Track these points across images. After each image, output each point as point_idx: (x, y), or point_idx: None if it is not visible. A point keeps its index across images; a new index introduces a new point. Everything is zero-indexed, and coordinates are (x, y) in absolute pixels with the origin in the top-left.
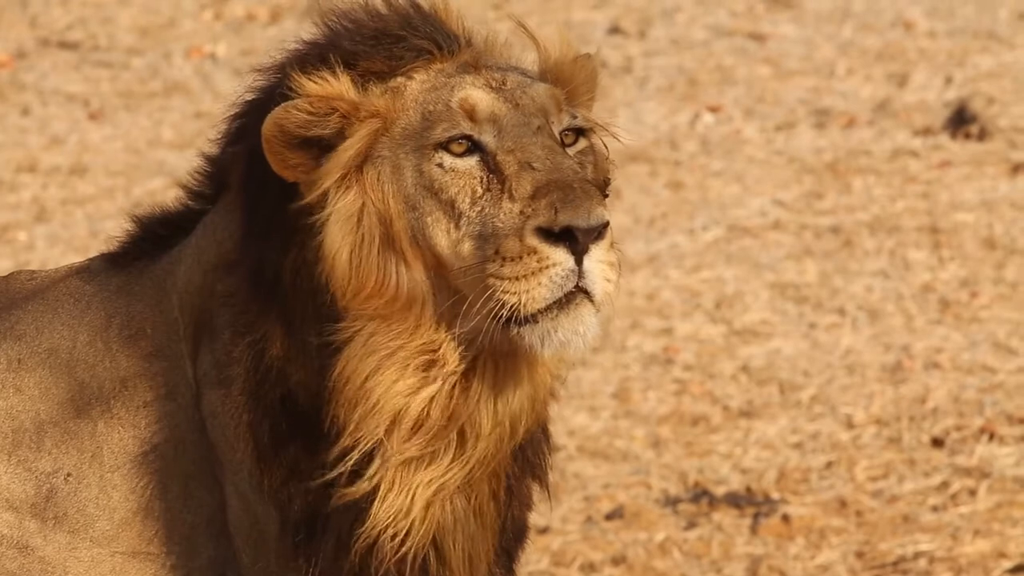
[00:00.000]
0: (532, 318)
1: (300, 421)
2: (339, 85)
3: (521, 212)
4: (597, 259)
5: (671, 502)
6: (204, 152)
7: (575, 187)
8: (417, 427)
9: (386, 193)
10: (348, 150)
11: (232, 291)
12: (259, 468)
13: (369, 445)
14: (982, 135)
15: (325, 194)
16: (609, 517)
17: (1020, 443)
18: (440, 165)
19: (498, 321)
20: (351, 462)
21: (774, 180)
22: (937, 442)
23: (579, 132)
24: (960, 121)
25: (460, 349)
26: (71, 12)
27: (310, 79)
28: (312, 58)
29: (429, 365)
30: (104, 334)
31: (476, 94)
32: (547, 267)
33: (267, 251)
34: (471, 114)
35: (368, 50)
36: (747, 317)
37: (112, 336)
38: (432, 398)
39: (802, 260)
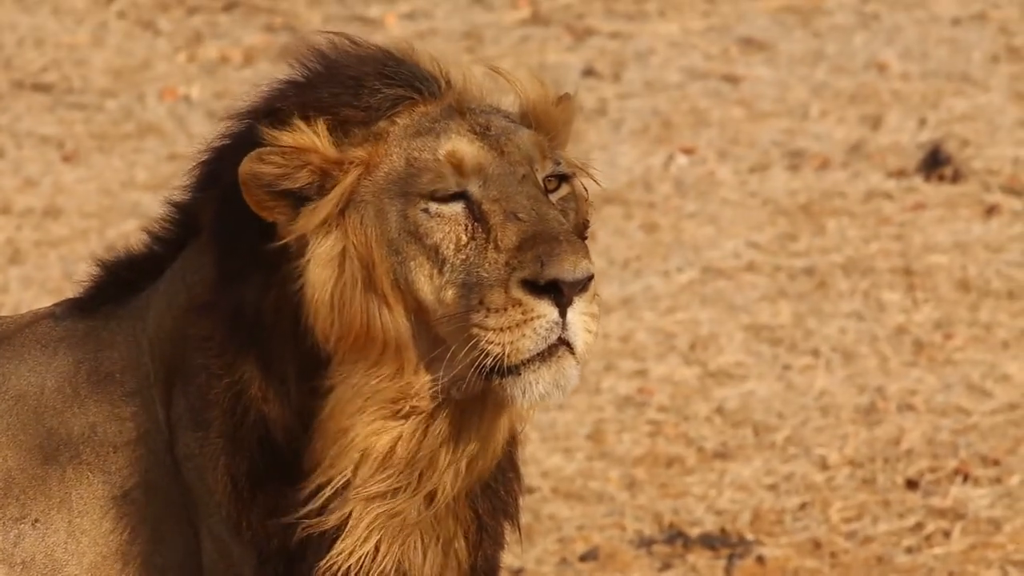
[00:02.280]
0: (515, 369)
1: (277, 460)
2: (312, 137)
3: (507, 263)
4: (580, 311)
5: (646, 543)
6: (170, 197)
7: (561, 239)
8: (383, 465)
9: (369, 237)
10: (328, 203)
11: (208, 334)
12: (237, 509)
13: (340, 481)
14: (956, 177)
15: (304, 237)
16: (584, 558)
17: (994, 485)
18: (425, 211)
19: (480, 370)
20: (323, 498)
21: (748, 222)
22: (911, 483)
23: (562, 178)
24: (934, 163)
25: (433, 392)
26: (45, 54)
27: (282, 130)
28: (288, 104)
29: (402, 407)
30: (72, 380)
31: (463, 146)
32: (532, 319)
33: (245, 292)
34: (458, 168)
35: (347, 99)
36: (721, 359)
37: (80, 381)
38: (399, 437)
39: (776, 302)
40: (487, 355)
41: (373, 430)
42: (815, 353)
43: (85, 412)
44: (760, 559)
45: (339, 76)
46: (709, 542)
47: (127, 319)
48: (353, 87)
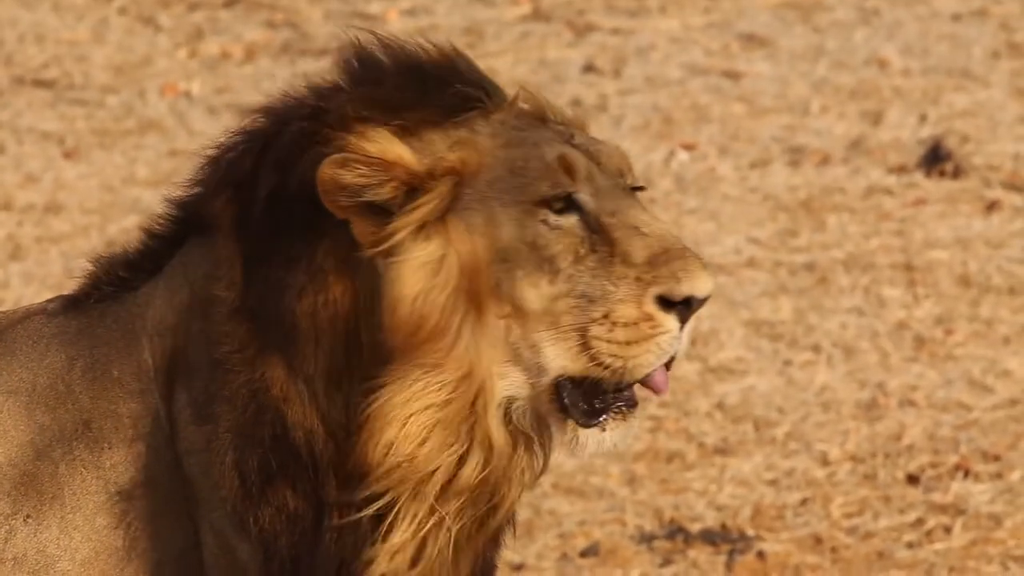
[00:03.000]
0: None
1: (291, 460)
2: (398, 149)
3: (638, 278)
4: (691, 326)
5: (646, 539)
6: (171, 194)
7: (689, 256)
8: (452, 489)
9: (476, 244)
10: (425, 212)
11: (227, 330)
12: (244, 505)
13: (399, 498)
14: (957, 173)
15: (386, 240)
16: (584, 554)
17: (995, 480)
18: (545, 222)
19: (584, 385)
20: (373, 509)
21: (748, 218)
22: (912, 479)
23: (637, 191)
24: (935, 159)
25: (504, 410)
26: (46, 51)
27: (366, 139)
28: (342, 104)
29: (473, 424)
30: (65, 376)
31: (569, 152)
32: (659, 334)
33: (278, 295)
34: (570, 172)
35: (415, 100)
36: (722, 354)
37: (75, 378)
38: (474, 462)
39: (777, 297)
40: (606, 367)
41: (443, 447)
42: (816, 349)
43: (79, 408)
44: (761, 554)
45: (400, 75)
46: (710, 537)
47: (124, 316)
48: (419, 87)
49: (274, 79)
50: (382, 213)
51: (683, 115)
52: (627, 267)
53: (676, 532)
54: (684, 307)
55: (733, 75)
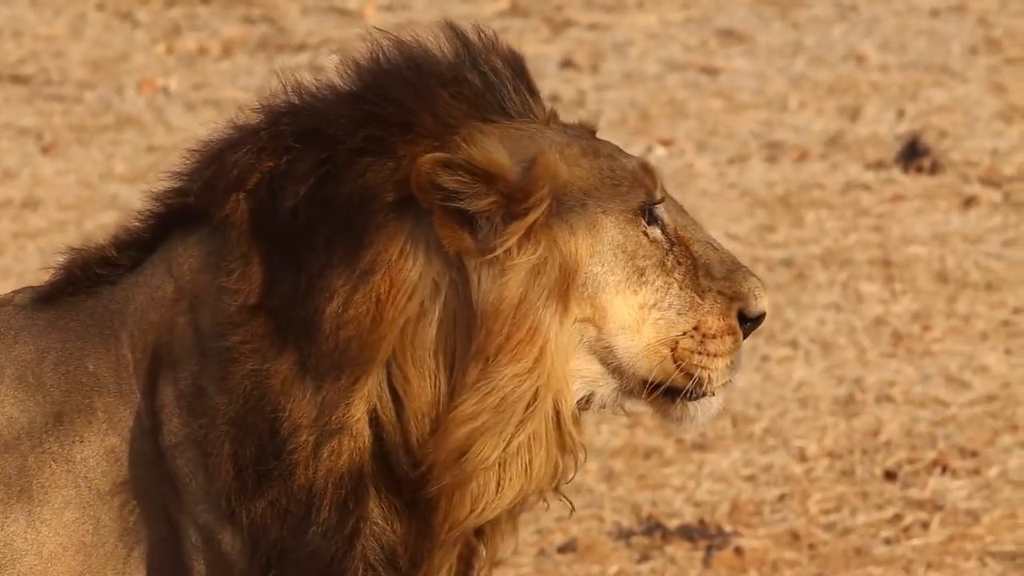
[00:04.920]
0: (704, 392)
1: (286, 453)
2: (503, 159)
3: (720, 292)
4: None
5: (624, 535)
6: (152, 190)
7: (756, 276)
8: (524, 480)
9: (579, 247)
10: (532, 215)
11: (237, 321)
12: (239, 497)
13: (488, 514)
14: (934, 169)
15: (494, 249)
16: (562, 550)
17: (972, 476)
18: (645, 232)
19: (663, 391)
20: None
21: (726, 213)
22: (890, 475)
23: None
24: (912, 155)
25: (576, 402)
26: (23, 46)
27: (474, 144)
28: (429, 109)
29: (548, 419)
30: (35, 369)
31: (645, 161)
32: (737, 348)
33: (304, 294)
34: (654, 182)
35: (492, 102)
36: None
37: (45, 371)
38: (544, 448)
39: None
40: (694, 378)
41: (536, 443)
42: (793, 344)
43: (50, 401)
44: (738, 550)
45: (456, 74)
46: (687, 533)
47: (100, 311)
48: (485, 87)
49: (252, 75)
50: (467, 216)
51: (661, 111)
52: (710, 280)
53: (654, 528)
54: (752, 325)
55: (711, 71)
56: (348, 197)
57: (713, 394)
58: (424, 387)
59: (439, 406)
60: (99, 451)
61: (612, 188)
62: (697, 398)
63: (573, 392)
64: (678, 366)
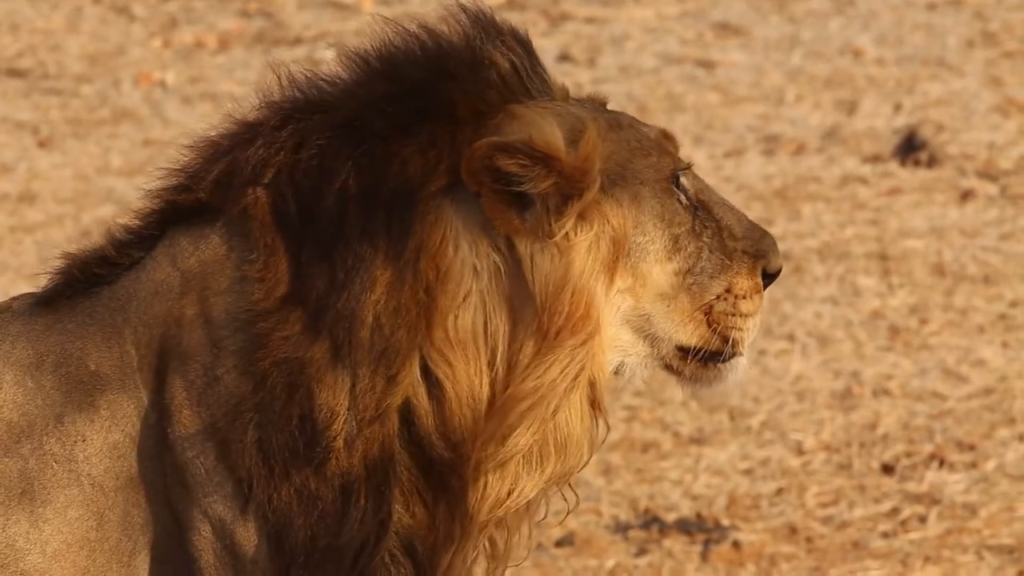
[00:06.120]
0: (735, 353)
1: (316, 440)
2: (560, 142)
3: (744, 251)
4: None
5: (621, 529)
6: (150, 186)
7: (768, 232)
8: (569, 447)
9: (626, 219)
10: (588, 195)
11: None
12: (264, 484)
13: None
14: (931, 162)
15: (555, 233)
16: (559, 544)
17: (970, 470)
18: (679, 200)
19: (697, 354)
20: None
21: None
22: (887, 468)
23: None
24: (909, 148)
25: (612, 370)
26: (20, 40)
27: (534, 132)
28: (468, 94)
29: (596, 390)
30: (34, 372)
31: (664, 128)
32: (761, 306)
33: (341, 286)
34: (676, 148)
35: (521, 84)
36: None
37: (44, 373)
38: (586, 415)
39: None
40: (726, 339)
41: (574, 413)
42: (790, 338)
43: (50, 403)
44: (736, 544)
45: (482, 57)
46: (685, 527)
47: (101, 310)
48: (512, 69)
49: (248, 68)
50: (520, 197)
51: (658, 104)
52: (735, 241)
53: (651, 522)
54: (769, 280)
55: (708, 64)
56: (388, 187)
57: (742, 354)
58: (468, 370)
59: (482, 388)
60: (102, 448)
61: (644, 158)
62: (728, 359)
63: (608, 362)
64: (713, 329)
